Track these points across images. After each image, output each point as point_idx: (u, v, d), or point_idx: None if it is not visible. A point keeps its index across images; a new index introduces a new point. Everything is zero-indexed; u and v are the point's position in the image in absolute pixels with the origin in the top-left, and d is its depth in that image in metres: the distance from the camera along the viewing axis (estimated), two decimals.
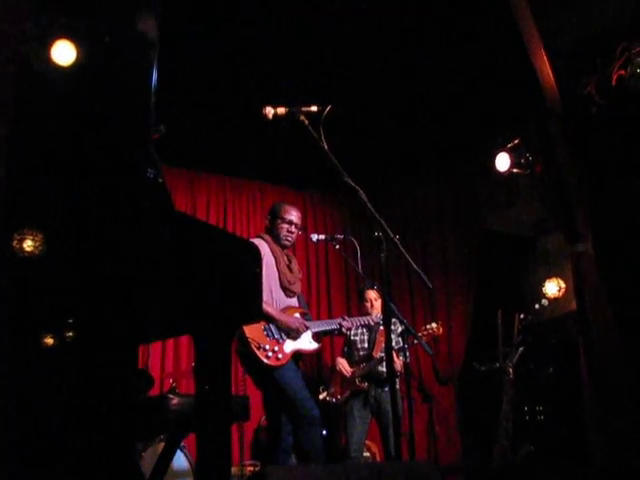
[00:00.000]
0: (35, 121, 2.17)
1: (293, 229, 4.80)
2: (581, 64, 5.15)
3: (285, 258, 4.78)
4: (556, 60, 5.11)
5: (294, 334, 4.56)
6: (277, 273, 4.65)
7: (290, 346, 4.53)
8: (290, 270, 4.77)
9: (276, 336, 4.50)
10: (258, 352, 4.36)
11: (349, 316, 5.13)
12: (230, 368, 2.25)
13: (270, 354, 4.40)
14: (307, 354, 4.83)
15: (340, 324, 5.02)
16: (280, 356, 4.43)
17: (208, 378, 2.13)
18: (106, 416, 2.16)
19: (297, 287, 4.82)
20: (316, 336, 4.80)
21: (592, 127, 5.25)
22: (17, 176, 2.09)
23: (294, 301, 4.79)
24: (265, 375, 4.45)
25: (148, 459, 4.85)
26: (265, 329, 4.49)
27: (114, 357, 2.20)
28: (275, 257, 4.68)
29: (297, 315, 4.69)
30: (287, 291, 4.70)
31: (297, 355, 4.65)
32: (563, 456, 5.89)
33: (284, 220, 4.77)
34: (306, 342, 4.68)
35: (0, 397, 1.98)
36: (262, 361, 4.35)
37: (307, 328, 4.65)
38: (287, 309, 4.68)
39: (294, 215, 4.82)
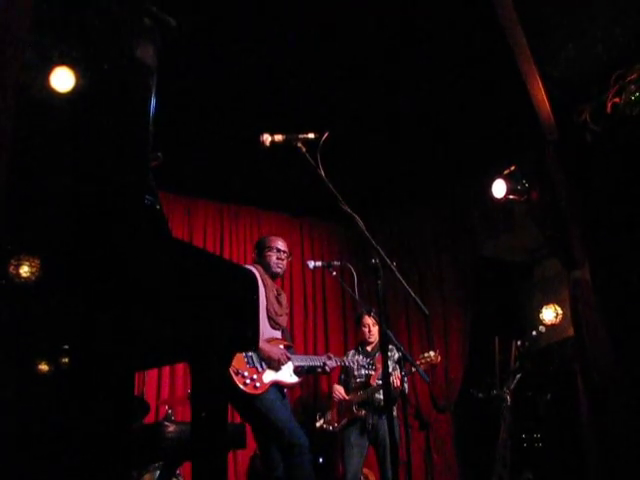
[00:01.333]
0: (33, 147, 2.18)
1: (282, 256, 4.90)
2: (576, 92, 5.19)
3: (274, 290, 4.81)
4: (551, 88, 5.15)
5: (275, 365, 4.55)
6: (265, 302, 4.66)
7: (269, 377, 4.51)
8: (278, 302, 4.80)
9: (256, 364, 4.49)
10: (236, 378, 4.34)
11: (346, 346, 5.12)
12: (227, 395, 2.25)
13: (248, 381, 4.38)
14: (287, 387, 4.78)
15: (325, 363, 5.02)
16: (258, 385, 4.41)
17: (204, 405, 2.12)
18: (102, 443, 2.14)
19: (283, 320, 4.84)
20: (298, 370, 4.79)
21: (588, 154, 5.28)
22: (15, 203, 2.09)
23: (278, 333, 4.80)
24: (247, 404, 4.42)
25: None
26: (246, 356, 4.49)
27: (110, 384, 2.19)
28: (265, 286, 4.71)
29: (281, 347, 4.68)
30: (272, 322, 4.71)
31: (281, 386, 4.64)
32: None
33: (271, 249, 4.88)
34: (287, 375, 4.67)
35: None
36: (239, 387, 4.32)
37: (289, 359, 4.64)
38: (271, 340, 4.68)
39: (280, 243, 4.94)
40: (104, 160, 2.22)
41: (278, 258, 4.86)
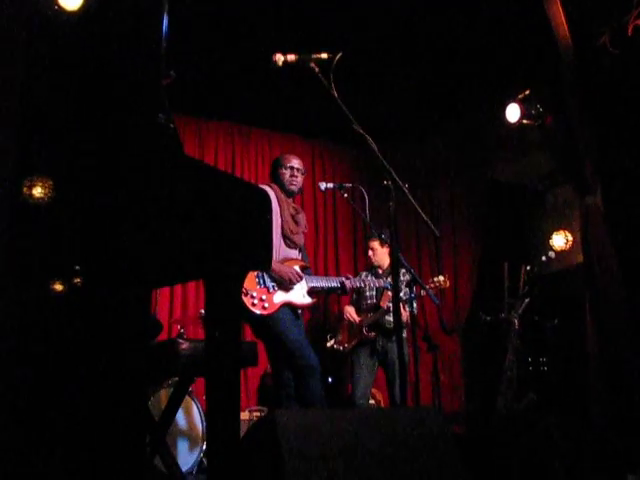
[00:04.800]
0: (45, 66, 2.16)
1: (296, 173, 4.83)
2: (596, 13, 5.06)
3: (291, 209, 4.77)
4: (570, 8, 5.03)
5: (286, 285, 4.55)
6: (280, 220, 4.64)
7: (280, 297, 4.53)
8: (295, 221, 4.75)
9: (267, 285, 4.50)
10: (245, 298, 4.35)
11: (356, 268, 5.13)
12: (239, 313, 2.28)
13: (256, 302, 4.40)
14: (299, 308, 4.74)
15: (342, 282, 5.01)
16: (266, 305, 4.43)
17: (218, 323, 2.16)
18: (117, 360, 2.19)
19: (299, 238, 4.79)
20: (312, 291, 4.79)
21: (605, 79, 5.19)
22: (27, 122, 2.08)
23: (294, 253, 4.77)
24: (259, 324, 4.47)
25: (152, 407, 4.91)
26: (257, 277, 4.49)
27: (124, 302, 2.22)
28: (280, 205, 4.68)
29: (296, 267, 4.66)
30: (288, 240, 4.68)
31: (293, 307, 4.65)
32: (565, 407, 5.96)
33: (285, 167, 4.81)
34: (299, 295, 4.66)
35: (10, 347, 2.01)
36: (247, 308, 4.36)
37: (301, 279, 4.63)
38: (286, 260, 4.67)
39: (294, 162, 4.86)
40: (117, 77, 2.20)
41: (292, 176, 4.80)
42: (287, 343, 4.38)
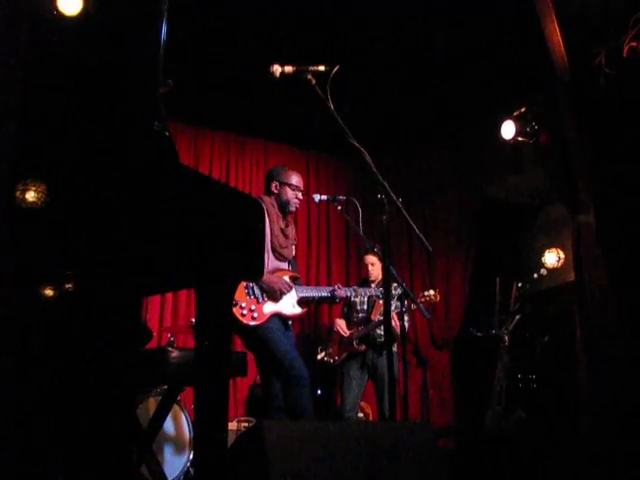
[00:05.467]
0: (43, 71, 2.16)
1: (300, 195, 4.81)
2: (592, 33, 5.10)
3: (281, 222, 4.73)
4: (567, 28, 5.06)
5: (276, 295, 4.54)
6: (269, 235, 4.60)
7: (269, 307, 4.52)
8: (284, 234, 4.73)
9: (256, 295, 4.49)
10: (234, 309, 4.34)
11: (348, 281, 5.12)
12: (230, 323, 2.28)
13: (245, 312, 4.39)
14: (289, 318, 4.72)
15: (333, 291, 5.00)
16: (256, 315, 4.42)
17: (208, 332, 2.15)
18: (106, 367, 2.19)
19: (289, 251, 4.78)
20: (302, 301, 4.78)
21: (600, 98, 5.22)
22: (24, 127, 2.09)
23: (284, 265, 4.76)
24: (249, 334, 4.46)
25: (140, 414, 4.88)
26: (247, 287, 4.48)
27: (115, 308, 2.22)
28: (270, 219, 4.63)
29: (286, 278, 4.66)
30: (277, 254, 4.66)
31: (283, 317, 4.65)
32: (553, 423, 5.97)
33: (291, 186, 4.75)
34: (289, 306, 4.65)
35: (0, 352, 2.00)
36: (237, 319, 4.35)
37: (291, 289, 4.62)
38: (276, 271, 4.66)
39: (295, 179, 4.81)
40: (114, 84, 2.20)
41: (297, 197, 4.77)
42: (276, 353, 4.38)
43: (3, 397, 1.95)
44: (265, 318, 4.46)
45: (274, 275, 4.61)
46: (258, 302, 4.48)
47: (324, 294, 4.99)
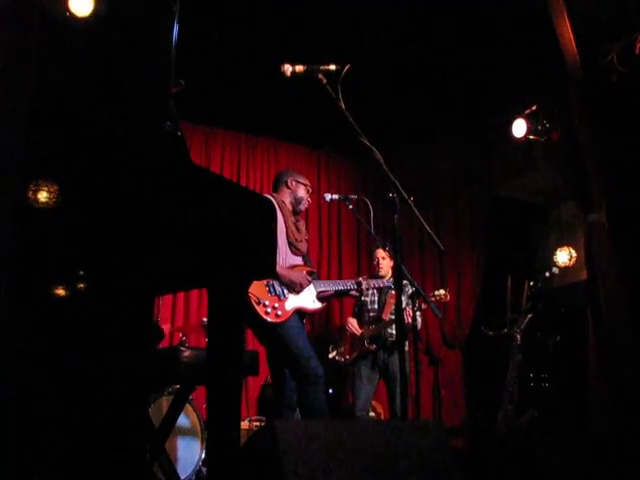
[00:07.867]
0: (54, 72, 2.17)
1: (309, 198, 4.92)
2: (604, 31, 5.08)
3: (292, 217, 4.77)
4: (579, 26, 5.04)
5: (297, 288, 4.54)
6: (284, 228, 4.64)
7: (292, 303, 4.52)
8: (297, 229, 4.77)
9: (278, 292, 4.50)
10: (257, 307, 4.35)
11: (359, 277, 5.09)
12: (243, 322, 2.28)
13: (269, 310, 4.39)
14: (310, 313, 4.77)
15: (359, 282, 4.99)
16: (280, 313, 4.42)
17: (221, 331, 2.16)
18: (118, 367, 2.19)
19: (303, 246, 4.80)
20: (321, 296, 4.79)
21: (612, 96, 5.20)
22: (34, 126, 2.09)
23: (299, 260, 4.77)
24: (268, 331, 4.45)
25: (153, 414, 4.89)
26: (268, 285, 4.48)
27: (127, 308, 2.23)
28: (283, 214, 4.68)
29: (303, 272, 4.67)
30: (293, 247, 4.68)
31: (302, 313, 4.66)
32: (565, 422, 5.95)
33: (306, 186, 4.87)
34: (309, 301, 4.66)
35: (11, 350, 2.01)
36: (261, 317, 4.36)
37: (310, 283, 4.63)
38: (293, 267, 4.67)
39: (308, 182, 4.94)
40: (125, 84, 2.21)
41: (308, 198, 4.89)
42: (294, 350, 4.37)
43: (12, 395, 1.96)
44: (288, 315, 4.46)
45: (293, 270, 4.62)
46: (280, 299, 4.47)
47: (346, 287, 4.97)
